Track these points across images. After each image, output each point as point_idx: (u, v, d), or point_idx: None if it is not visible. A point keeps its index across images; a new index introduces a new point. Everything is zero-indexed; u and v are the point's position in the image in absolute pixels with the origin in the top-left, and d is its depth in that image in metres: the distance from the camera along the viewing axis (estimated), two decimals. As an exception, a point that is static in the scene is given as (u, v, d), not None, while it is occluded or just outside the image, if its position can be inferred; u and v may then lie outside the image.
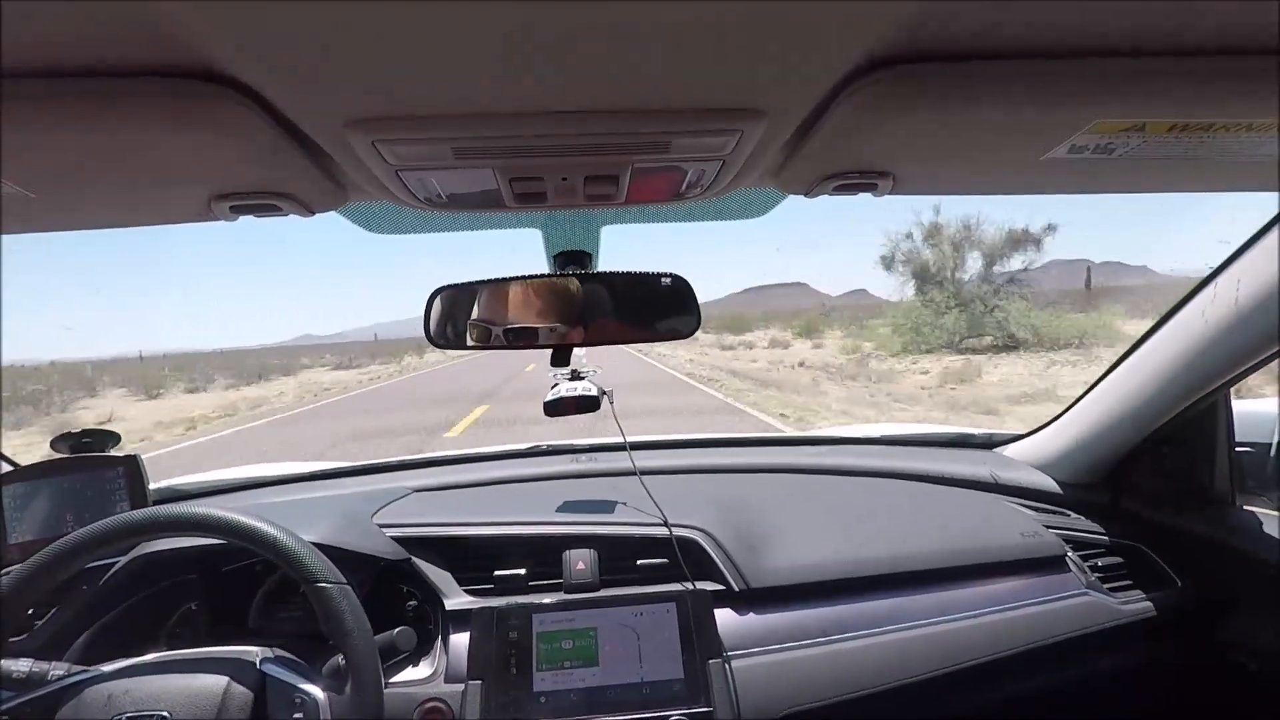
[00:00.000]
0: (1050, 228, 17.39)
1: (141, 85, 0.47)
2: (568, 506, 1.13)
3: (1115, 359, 1.16)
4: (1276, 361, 0.94)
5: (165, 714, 0.70)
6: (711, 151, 0.60)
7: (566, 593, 0.99)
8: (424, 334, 0.95)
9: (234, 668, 0.74)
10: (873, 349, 18.17)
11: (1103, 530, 1.18)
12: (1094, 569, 1.12)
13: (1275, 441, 1.14)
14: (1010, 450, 1.42)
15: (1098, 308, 17.89)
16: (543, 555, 1.03)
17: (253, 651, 0.77)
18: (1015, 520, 1.16)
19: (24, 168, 0.55)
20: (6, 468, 1.10)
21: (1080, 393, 1.25)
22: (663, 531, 1.04)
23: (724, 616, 0.97)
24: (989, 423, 7.48)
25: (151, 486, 1.07)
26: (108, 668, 0.74)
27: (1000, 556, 1.07)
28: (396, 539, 1.02)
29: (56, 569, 0.74)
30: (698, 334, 0.95)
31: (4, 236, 0.73)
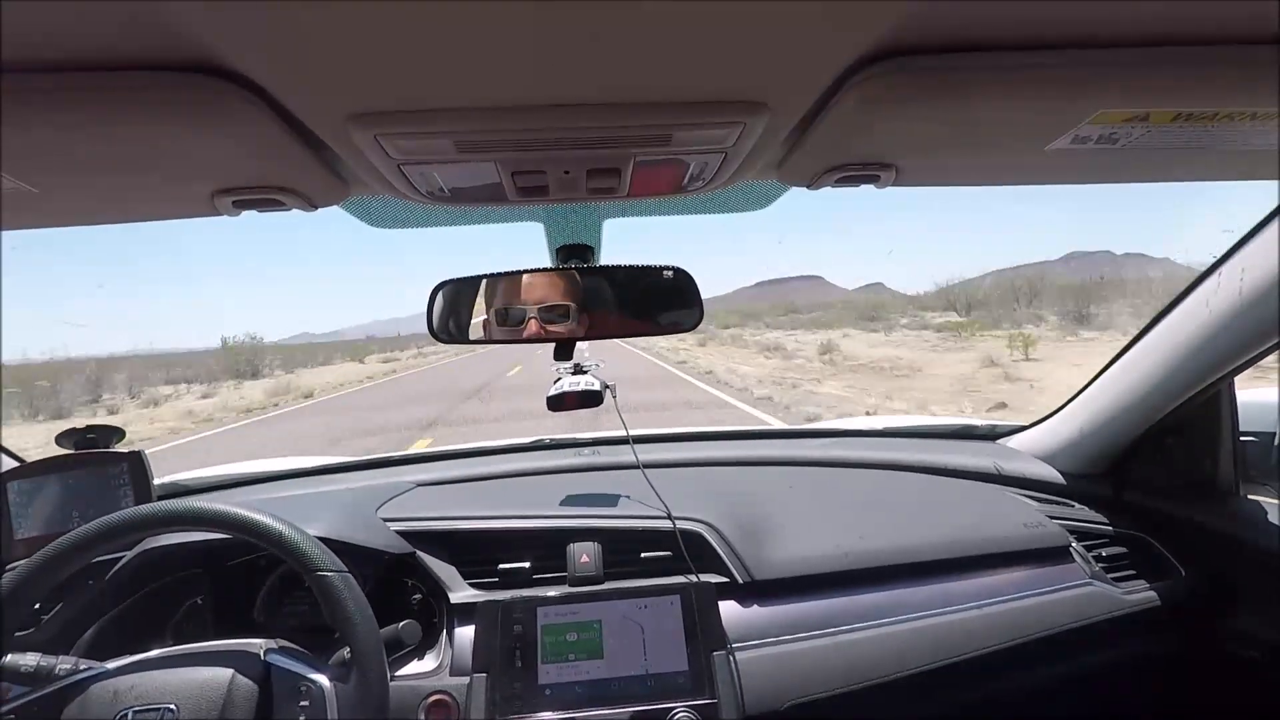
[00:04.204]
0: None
1: (145, 80, 0.47)
2: (571, 500, 1.13)
3: (1120, 348, 1.16)
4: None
5: (171, 707, 0.70)
6: (714, 144, 0.59)
7: (571, 586, 0.99)
8: (427, 328, 0.95)
9: (239, 660, 0.75)
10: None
11: (1106, 520, 1.18)
12: (1098, 559, 1.12)
13: (1279, 430, 1.14)
14: (1013, 441, 1.42)
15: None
16: (547, 549, 1.04)
17: (257, 643, 0.77)
18: (1019, 511, 1.16)
19: (26, 162, 0.55)
20: (11, 463, 1.10)
21: (1084, 383, 1.25)
22: (666, 524, 1.04)
23: (728, 609, 0.97)
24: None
25: (155, 482, 1.08)
26: (113, 664, 0.74)
27: (1004, 547, 1.07)
28: (401, 533, 1.02)
29: (62, 564, 0.74)
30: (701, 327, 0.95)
31: (7, 232, 0.73)
